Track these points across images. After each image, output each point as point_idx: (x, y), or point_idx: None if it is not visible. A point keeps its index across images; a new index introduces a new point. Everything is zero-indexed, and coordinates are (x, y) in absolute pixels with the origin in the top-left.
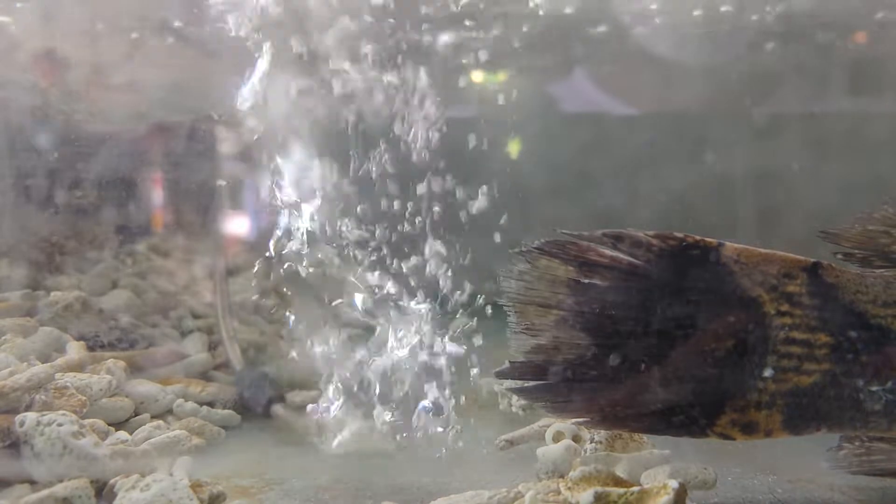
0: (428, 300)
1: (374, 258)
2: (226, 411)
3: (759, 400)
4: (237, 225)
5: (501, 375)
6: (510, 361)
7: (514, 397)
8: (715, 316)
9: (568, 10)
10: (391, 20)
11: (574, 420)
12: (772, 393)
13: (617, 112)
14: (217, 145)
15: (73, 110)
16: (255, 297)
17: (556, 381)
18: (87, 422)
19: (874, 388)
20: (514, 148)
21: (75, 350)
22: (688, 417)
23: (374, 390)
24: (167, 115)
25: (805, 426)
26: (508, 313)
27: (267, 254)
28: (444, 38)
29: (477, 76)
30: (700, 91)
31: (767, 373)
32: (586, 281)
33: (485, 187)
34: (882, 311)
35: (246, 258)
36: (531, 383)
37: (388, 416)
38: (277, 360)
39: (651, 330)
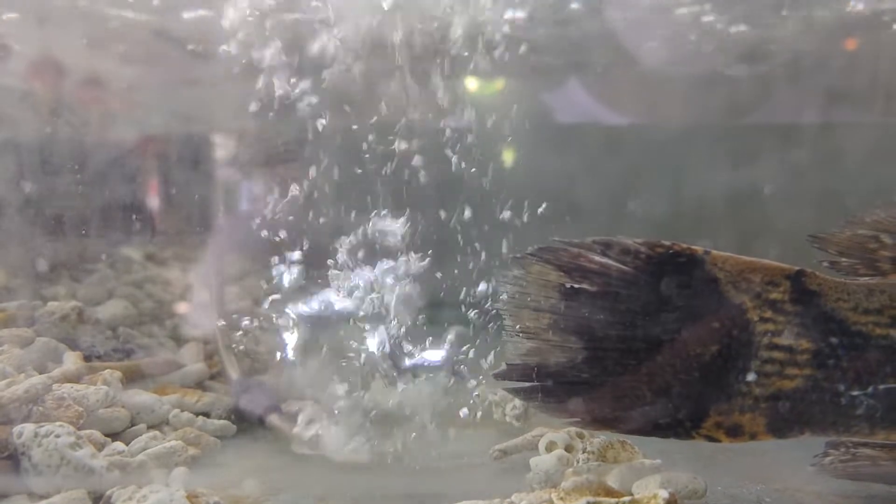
0: None
1: None
2: (222, 421)
3: (743, 404)
4: (233, 234)
5: (498, 377)
6: (506, 363)
7: (509, 407)
8: (700, 322)
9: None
10: None
11: (566, 420)
12: (755, 397)
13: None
14: (211, 155)
15: (67, 121)
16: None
17: (549, 383)
18: (84, 433)
19: (855, 393)
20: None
21: (72, 360)
22: (674, 420)
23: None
24: (164, 124)
25: (789, 429)
26: (504, 317)
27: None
28: None
29: None
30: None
31: (751, 377)
32: (577, 286)
33: None
34: (863, 318)
35: (242, 267)
36: (526, 384)
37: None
38: (273, 370)
39: (638, 334)
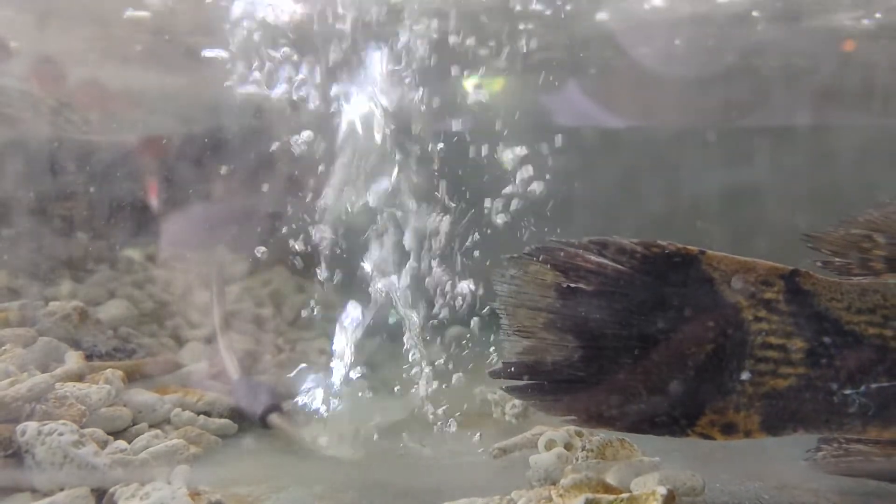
0: None
1: None
2: (222, 420)
3: (738, 402)
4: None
5: (494, 375)
6: (503, 362)
7: (508, 406)
8: (695, 321)
9: None
10: None
11: (562, 418)
12: (749, 395)
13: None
14: (212, 155)
15: (66, 121)
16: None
17: (545, 381)
18: (86, 431)
19: (848, 392)
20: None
21: (74, 360)
22: (669, 418)
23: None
24: (163, 124)
25: (782, 427)
26: (500, 316)
27: None
28: None
29: None
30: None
31: (745, 376)
32: (573, 286)
33: None
34: (856, 318)
35: (242, 267)
36: (522, 383)
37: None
38: (273, 370)
39: (634, 333)
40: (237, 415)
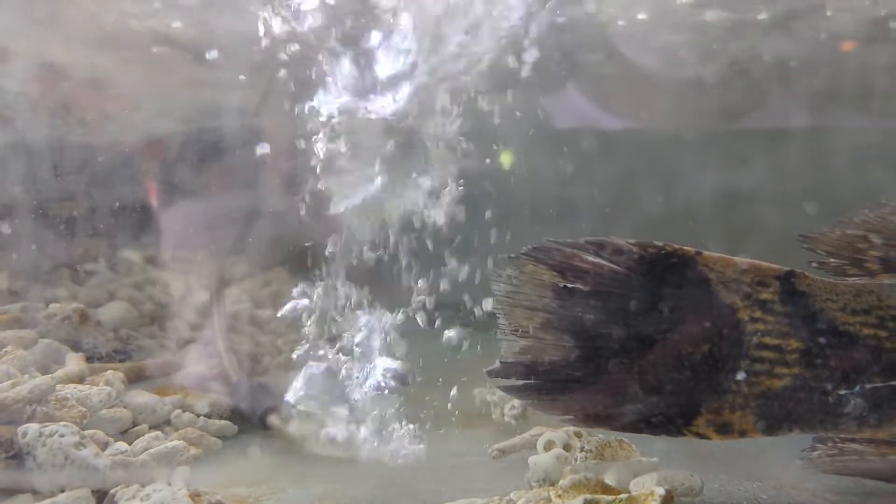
0: None
1: None
2: (222, 422)
3: (734, 402)
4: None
5: (492, 374)
6: (500, 361)
7: (507, 407)
8: (691, 321)
9: None
10: None
11: (559, 417)
12: (745, 395)
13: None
14: (212, 156)
15: (65, 122)
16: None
17: (543, 381)
18: (87, 433)
19: (843, 392)
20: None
21: (75, 361)
22: (665, 417)
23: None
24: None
25: (778, 427)
26: (498, 316)
27: None
28: None
29: None
30: None
31: (740, 376)
32: (570, 286)
33: None
34: (851, 319)
35: (242, 269)
36: (520, 382)
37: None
38: (273, 371)
39: (630, 333)
40: (237, 416)
